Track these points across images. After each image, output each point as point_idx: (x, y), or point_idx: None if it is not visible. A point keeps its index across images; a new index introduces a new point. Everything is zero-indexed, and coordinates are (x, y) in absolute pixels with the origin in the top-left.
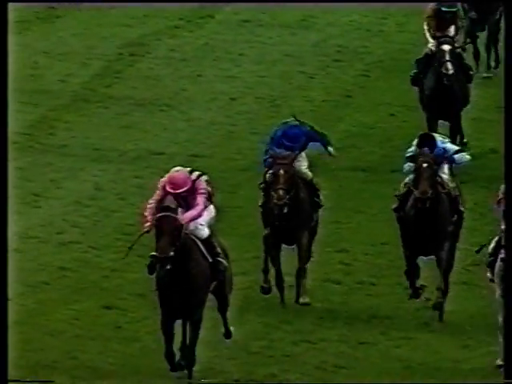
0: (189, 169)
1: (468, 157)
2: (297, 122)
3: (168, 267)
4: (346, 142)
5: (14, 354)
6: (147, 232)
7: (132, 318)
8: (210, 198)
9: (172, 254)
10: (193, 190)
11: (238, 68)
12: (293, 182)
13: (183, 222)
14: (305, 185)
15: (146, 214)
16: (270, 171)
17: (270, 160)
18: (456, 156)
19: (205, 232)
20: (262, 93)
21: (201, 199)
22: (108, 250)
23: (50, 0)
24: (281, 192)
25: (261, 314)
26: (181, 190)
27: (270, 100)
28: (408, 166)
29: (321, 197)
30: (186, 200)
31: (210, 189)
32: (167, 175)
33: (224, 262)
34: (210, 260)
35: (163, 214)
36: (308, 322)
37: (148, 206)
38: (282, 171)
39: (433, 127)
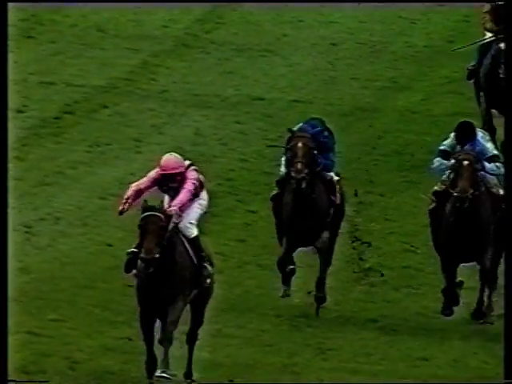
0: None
1: (502, 170)
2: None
3: (151, 270)
4: (447, 87)
5: None
6: (120, 214)
7: (233, 263)
8: (201, 186)
9: (157, 255)
10: (182, 178)
11: (339, 13)
12: (311, 159)
13: (173, 212)
14: (322, 181)
15: (125, 195)
16: (289, 146)
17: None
18: (488, 166)
19: (193, 231)
20: (363, 38)
21: (188, 185)
22: (212, 195)
23: (50, 0)
24: (299, 165)
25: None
26: (172, 172)
27: (371, 45)
28: (438, 161)
29: (337, 195)
30: (177, 191)
31: (201, 177)
32: (160, 161)
33: (209, 267)
34: (196, 262)
35: (148, 213)
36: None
37: (131, 188)
38: (300, 144)
39: (487, 121)
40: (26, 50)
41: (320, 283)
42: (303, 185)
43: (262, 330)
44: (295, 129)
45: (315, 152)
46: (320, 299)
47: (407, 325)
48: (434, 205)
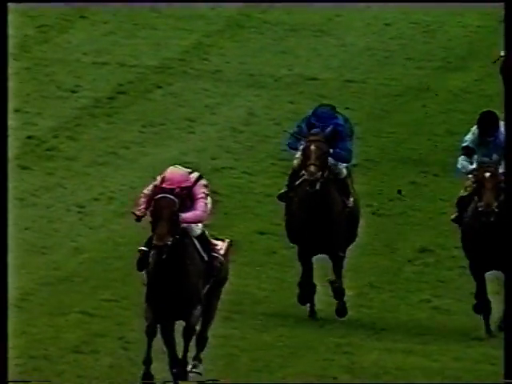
0: (188, 170)
1: None
2: (328, 104)
3: (164, 256)
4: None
5: None
6: (138, 220)
7: (286, 244)
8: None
9: (170, 242)
10: (190, 193)
11: None
12: (325, 161)
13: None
14: (336, 182)
15: (137, 202)
16: (300, 149)
17: (296, 141)
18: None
19: (198, 230)
20: (417, 18)
21: (200, 204)
22: (262, 175)
23: (51, 0)
24: (312, 168)
25: None
26: (178, 186)
27: (424, 25)
28: (462, 163)
29: (351, 198)
30: (184, 203)
31: (208, 192)
32: (165, 173)
33: (220, 257)
34: (206, 258)
35: (161, 195)
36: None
37: (141, 197)
38: (313, 147)
39: None
40: (79, 30)
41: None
42: (317, 186)
43: (316, 310)
44: (312, 119)
45: (328, 154)
46: (340, 311)
47: (461, 305)
48: (456, 214)
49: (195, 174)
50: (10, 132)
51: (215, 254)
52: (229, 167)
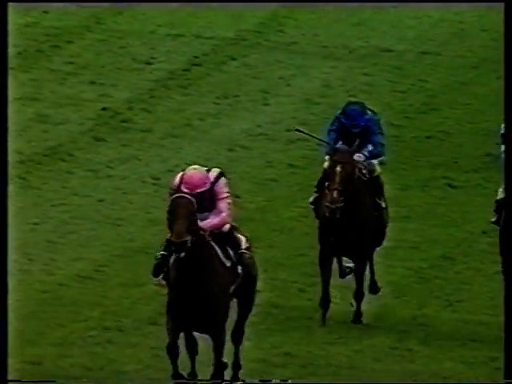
0: (205, 168)
1: None
2: (357, 102)
3: (182, 255)
4: None
5: None
6: None
7: None
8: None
9: (189, 240)
10: (211, 193)
11: None
12: (351, 180)
13: (203, 229)
14: (366, 183)
15: None
16: (327, 163)
17: (330, 149)
18: None
19: (226, 226)
20: None
21: (224, 205)
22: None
23: (52, 0)
24: (335, 194)
25: None
26: (197, 191)
27: None
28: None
29: (384, 197)
30: (203, 203)
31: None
32: (183, 174)
33: (247, 253)
34: (229, 265)
35: (179, 195)
36: None
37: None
38: (338, 168)
39: None
40: (154, 1)
41: (359, 294)
42: (337, 215)
43: (389, 282)
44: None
45: (354, 174)
46: (357, 317)
47: None
48: (496, 217)
49: (215, 172)
50: (85, 104)
51: (242, 251)
52: (303, 139)
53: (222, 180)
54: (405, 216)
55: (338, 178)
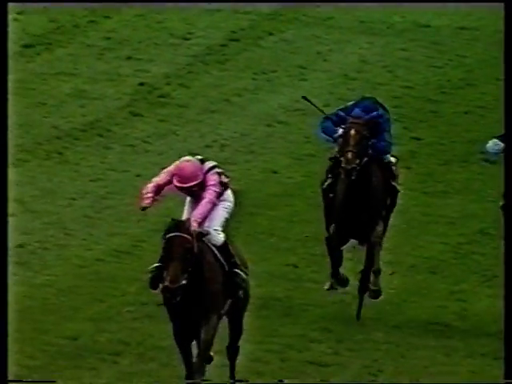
0: (199, 157)
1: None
2: (371, 98)
3: (178, 299)
4: None
5: None
6: (143, 209)
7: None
8: (226, 187)
9: (184, 282)
10: (203, 184)
11: None
12: (365, 147)
13: (194, 226)
14: (380, 166)
15: (144, 191)
16: (335, 136)
17: (333, 126)
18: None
19: (220, 238)
20: None
21: (209, 194)
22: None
23: (53, 0)
24: (349, 155)
25: None
26: (189, 185)
27: None
28: None
29: (398, 181)
30: (197, 195)
31: (225, 180)
32: (176, 165)
33: (242, 274)
34: (227, 269)
35: (173, 234)
36: None
37: (149, 184)
38: (353, 131)
39: None
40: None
41: (376, 276)
42: (353, 176)
43: (426, 257)
44: (348, 105)
45: (369, 139)
46: (376, 292)
47: None
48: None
49: (209, 164)
50: (122, 79)
51: (237, 271)
52: None
53: (214, 171)
54: (443, 191)
55: (352, 140)
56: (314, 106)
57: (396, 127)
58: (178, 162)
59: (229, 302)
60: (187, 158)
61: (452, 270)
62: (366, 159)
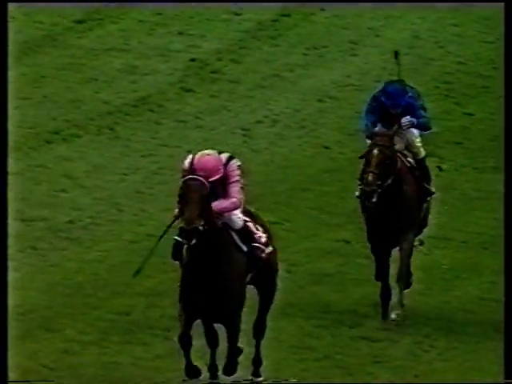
0: (215, 151)
1: None
2: (398, 80)
3: (194, 242)
4: None
5: None
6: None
7: (450, 166)
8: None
9: (200, 226)
10: (224, 176)
11: None
12: (387, 169)
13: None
14: (411, 169)
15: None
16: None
17: (368, 132)
18: None
19: (239, 222)
20: None
21: (235, 189)
22: (426, 97)
23: (54, 0)
24: (370, 177)
25: None
26: (212, 179)
27: None
28: None
29: (432, 181)
30: (215, 188)
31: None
32: (194, 159)
33: (262, 246)
34: (246, 249)
35: (190, 176)
36: None
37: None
38: (375, 151)
39: None
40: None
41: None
42: (374, 199)
43: (477, 233)
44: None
45: (393, 158)
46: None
47: None
48: None
49: (225, 156)
50: (174, 54)
51: (256, 245)
52: None
53: (233, 163)
54: (493, 167)
55: (374, 161)
56: (398, 64)
57: (447, 103)
58: (195, 158)
59: (250, 275)
60: (206, 151)
61: (500, 247)
62: (388, 182)
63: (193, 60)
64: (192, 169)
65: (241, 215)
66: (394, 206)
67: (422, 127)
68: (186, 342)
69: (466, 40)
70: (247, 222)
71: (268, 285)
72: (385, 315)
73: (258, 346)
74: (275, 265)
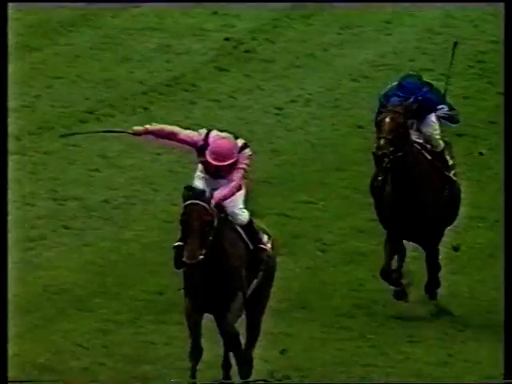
0: (233, 136)
1: None
2: (414, 74)
3: (196, 276)
4: None
5: None
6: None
7: (485, 145)
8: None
9: (202, 257)
10: (235, 162)
11: None
12: (400, 136)
13: (214, 202)
14: (431, 162)
15: (153, 128)
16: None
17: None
18: None
19: (245, 217)
20: None
21: (238, 175)
22: (458, 77)
23: (53, 0)
24: (382, 141)
25: None
26: (226, 163)
27: None
28: None
29: (453, 171)
30: (220, 173)
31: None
32: (209, 135)
33: (267, 249)
34: (251, 247)
35: (191, 201)
36: None
37: (167, 127)
38: (387, 119)
39: None
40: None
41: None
42: (385, 163)
43: (497, 220)
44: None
45: (407, 127)
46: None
47: None
48: None
49: (240, 142)
50: (208, 34)
51: (262, 246)
52: (426, 69)
53: (246, 151)
54: None
55: (386, 127)
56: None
57: (481, 82)
58: (212, 141)
59: (255, 282)
60: (222, 134)
61: None
62: (402, 151)
63: (227, 39)
64: (206, 145)
65: (245, 211)
66: (413, 199)
67: (452, 119)
68: (194, 325)
69: (500, 19)
70: (253, 220)
71: (266, 295)
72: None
73: (248, 347)
74: (273, 273)
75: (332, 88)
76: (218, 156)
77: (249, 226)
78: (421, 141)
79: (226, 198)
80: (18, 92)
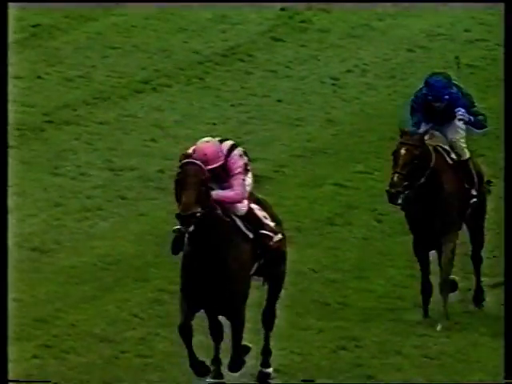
0: (218, 139)
1: None
2: (442, 73)
3: (191, 229)
4: None
5: None
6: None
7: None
8: (247, 170)
9: (198, 213)
10: (226, 167)
11: None
12: (414, 169)
13: (215, 198)
14: (453, 167)
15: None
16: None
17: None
18: None
19: (243, 208)
20: None
21: (238, 181)
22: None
23: (54, 0)
24: (395, 178)
25: None
26: (211, 167)
27: None
28: None
29: (476, 184)
30: (218, 177)
31: (245, 161)
32: (194, 147)
33: (270, 234)
34: (252, 236)
35: (188, 160)
36: None
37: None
38: (402, 150)
39: None
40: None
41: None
42: (398, 201)
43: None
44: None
45: (421, 159)
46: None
47: None
48: None
49: (227, 144)
50: (264, 4)
51: (264, 232)
52: (482, 39)
53: (236, 152)
54: None
55: (401, 161)
56: (458, 67)
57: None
58: (195, 146)
59: (256, 264)
60: (206, 139)
61: None
62: (422, 180)
63: (282, 9)
64: (192, 155)
65: (244, 202)
66: (431, 204)
67: (478, 125)
68: (186, 333)
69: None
70: (254, 208)
71: (277, 274)
72: (426, 312)
73: (266, 337)
74: (284, 253)
75: (388, 58)
76: (202, 160)
77: (249, 216)
78: (446, 147)
79: (228, 201)
80: (73, 62)
